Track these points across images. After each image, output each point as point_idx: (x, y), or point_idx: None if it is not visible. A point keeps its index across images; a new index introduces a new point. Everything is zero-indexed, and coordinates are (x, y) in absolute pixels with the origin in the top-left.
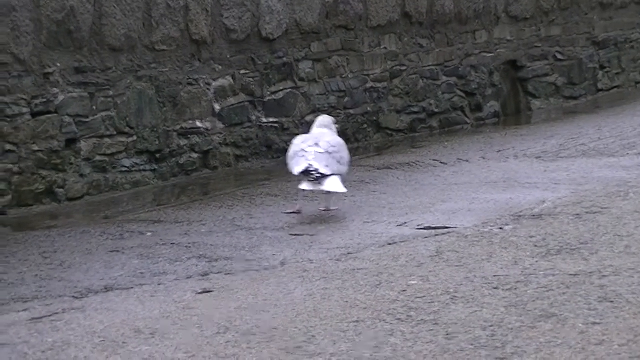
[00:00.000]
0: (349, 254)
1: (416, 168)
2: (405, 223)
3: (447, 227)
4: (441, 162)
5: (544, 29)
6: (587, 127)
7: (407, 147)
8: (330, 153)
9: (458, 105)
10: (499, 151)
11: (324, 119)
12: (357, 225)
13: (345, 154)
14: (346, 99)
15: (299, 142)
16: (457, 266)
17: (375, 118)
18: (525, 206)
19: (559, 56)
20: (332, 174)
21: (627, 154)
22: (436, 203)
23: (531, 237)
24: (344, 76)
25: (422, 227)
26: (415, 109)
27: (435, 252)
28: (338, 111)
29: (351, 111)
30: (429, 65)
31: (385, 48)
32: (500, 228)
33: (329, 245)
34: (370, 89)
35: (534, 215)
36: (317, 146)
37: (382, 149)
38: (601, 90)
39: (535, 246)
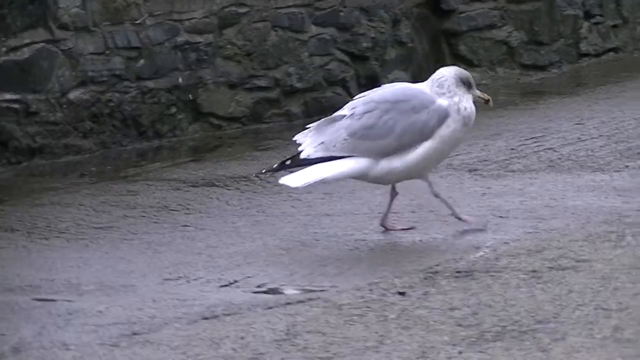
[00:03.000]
0: (134, 334)
1: (261, 185)
2: (236, 282)
3: (307, 290)
4: None
5: None
6: (560, 118)
7: (246, 147)
8: (357, 117)
9: (337, 77)
10: None
11: (444, 70)
12: (150, 284)
13: (401, 117)
14: (141, 62)
15: None
16: (321, 359)
17: (191, 96)
18: (447, 255)
19: None
20: (321, 158)
21: (626, 167)
22: (291, 248)
23: (453, 309)
24: (137, 22)
25: (265, 289)
26: (263, 82)
27: (285, 333)
28: (126, 83)
29: (150, 84)
30: (287, 6)
31: None
32: (401, 293)
33: (100, 318)
34: (184, 46)
35: (459, 272)
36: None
37: (203, 150)
38: (586, 54)
39: (460, 325)
